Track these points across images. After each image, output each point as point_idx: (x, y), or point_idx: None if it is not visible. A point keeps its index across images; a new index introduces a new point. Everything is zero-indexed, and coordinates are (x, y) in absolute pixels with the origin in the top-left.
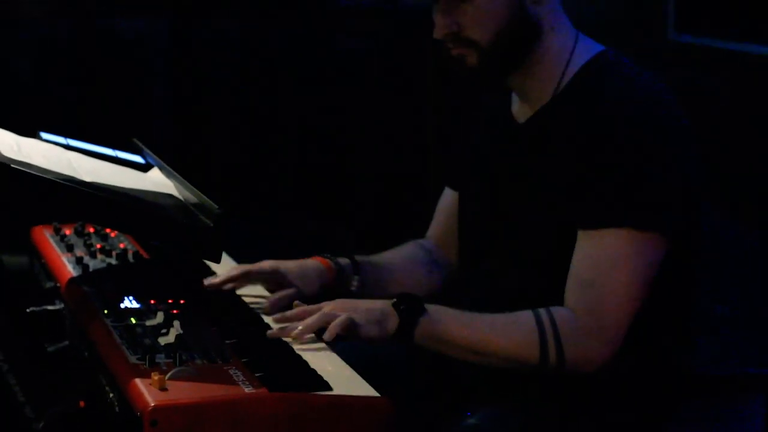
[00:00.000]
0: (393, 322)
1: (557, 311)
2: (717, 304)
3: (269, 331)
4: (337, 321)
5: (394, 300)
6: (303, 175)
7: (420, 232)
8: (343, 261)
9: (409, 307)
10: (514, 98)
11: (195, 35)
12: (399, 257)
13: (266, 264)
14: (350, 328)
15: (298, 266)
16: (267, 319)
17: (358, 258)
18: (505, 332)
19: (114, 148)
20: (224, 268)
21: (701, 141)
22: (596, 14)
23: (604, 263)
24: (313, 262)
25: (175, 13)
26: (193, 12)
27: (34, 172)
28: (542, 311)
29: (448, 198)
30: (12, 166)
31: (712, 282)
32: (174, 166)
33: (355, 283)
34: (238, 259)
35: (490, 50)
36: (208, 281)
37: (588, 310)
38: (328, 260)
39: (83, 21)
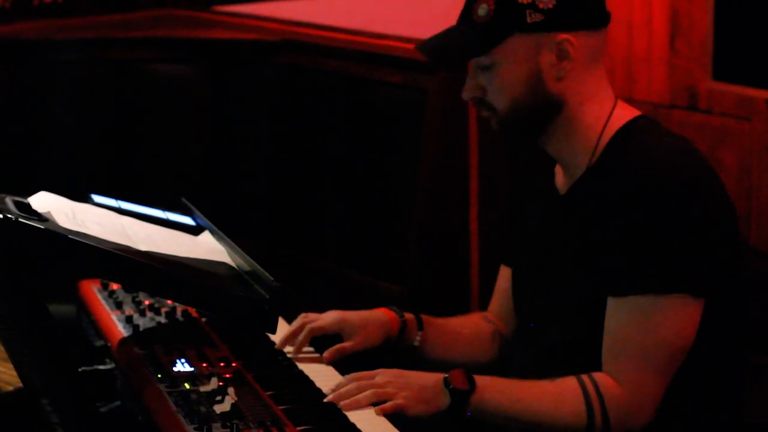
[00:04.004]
0: (443, 400)
1: (600, 379)
2: (757, 352)
3: (325, 399)
4: (388, 405)
5: (445, 377)
6: (348, 226)
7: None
8: (408, 316)
9: (459, 386)
10: (558, 169)
11: (236, 80)
12: (465, 324)
13: (330, 316)
14: (399, 410)
15: (362, 318)
16: (319, 383)
17: (424, 316)
18: (553, 403)
19: (164, 209)
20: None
21: None
22: None
23: (635, 331)
24: (378, 313)
25: (216, 58)
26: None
27: (92, 243)
28: (586, 379)
29: (504, 276)
30: (69, 237)
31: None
32: (214, 214)
33: (418, 338)
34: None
35: (506, 118)
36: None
37: (627, 377)
38: (393, 312)
39: (123, 66)
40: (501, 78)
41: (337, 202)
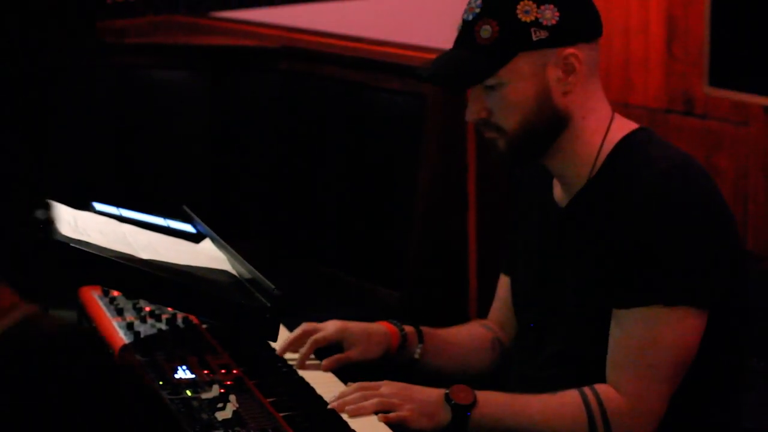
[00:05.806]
0: (445, 415)
1: (602, 391)
2: (754, 357)
3: (329, 405)
4: (392, 416)
5: (446, 392)
6: (347, 232)
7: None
8: (408, 329)
9: (461, 401)
10: (555, 182)
11: (236, 87)
12: (464, 333)
13: (332, 327)
14: (402, 422)
15: (363, 330)
16: (320, 391)
17: (423, 328)
18: (554, 415)
19: (165, 216)
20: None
21: None
22: None
23: (640, 342)
24: (378, 327)
25: (217, 64)
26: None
27: (93, 251)
28: (588, 392)
29: (503, 285)
30: (71, 245)
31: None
32: (214, 221)
33: (418, 351)
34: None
35: (516, 137)
36: (281, 351)
37: (630, 389)
38: (394, 326)
39: (123, 72)
40: (509, 97)
41: (336, 207)
